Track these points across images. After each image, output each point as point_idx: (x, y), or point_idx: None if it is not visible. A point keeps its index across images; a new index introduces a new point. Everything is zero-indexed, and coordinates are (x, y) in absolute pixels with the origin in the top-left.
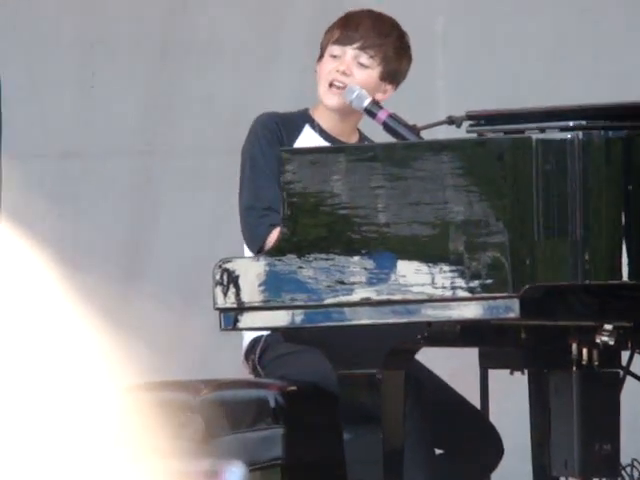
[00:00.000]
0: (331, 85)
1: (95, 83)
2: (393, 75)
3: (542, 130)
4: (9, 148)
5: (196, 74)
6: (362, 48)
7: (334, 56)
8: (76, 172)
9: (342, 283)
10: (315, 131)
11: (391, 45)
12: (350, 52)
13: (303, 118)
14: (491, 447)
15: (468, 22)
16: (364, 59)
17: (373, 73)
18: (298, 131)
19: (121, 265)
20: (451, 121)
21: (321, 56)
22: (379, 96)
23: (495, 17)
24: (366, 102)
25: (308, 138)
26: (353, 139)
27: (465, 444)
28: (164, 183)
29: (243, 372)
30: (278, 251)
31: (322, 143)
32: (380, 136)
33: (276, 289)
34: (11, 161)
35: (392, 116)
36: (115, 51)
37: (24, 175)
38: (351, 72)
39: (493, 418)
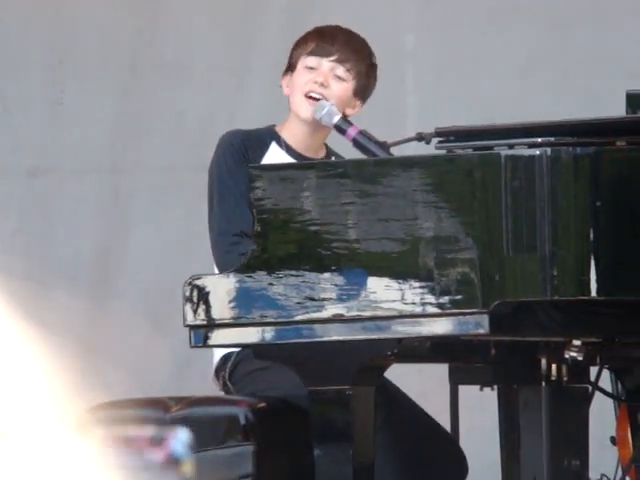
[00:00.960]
0: (307, 96)
1: (64, 100)
2: (364, 91)
3: (511, 147)
4: None
5: (165, 91)
6: (339, 61)
7: (310, 67)
8: (45, 189)
9: (312, 299)
10: (282, 148)
11: (363, 61)
12: (326, 64)
13: (269, 135)
14: (455, 465)
15: (437, 39)
16: (341, 72)
17: (348, 87)
18: (264, 148)
19: (90, 282)
20: (420, 138)
21: (290, 69)
22: (349, 111)
23: (464, 34)
24: (336, 118)
25: (275, 155)
26: (320, 155)
27: (430, 462)
28: (133, 200)
29: (214, 389)
30: (248, 268)
31: (289, 160)
32: (349, 152)
33: (246, 306)
34: None
35: (362, 132)
36: (84, 68)
37: None
38: (328, 84)
39: (463, 434)
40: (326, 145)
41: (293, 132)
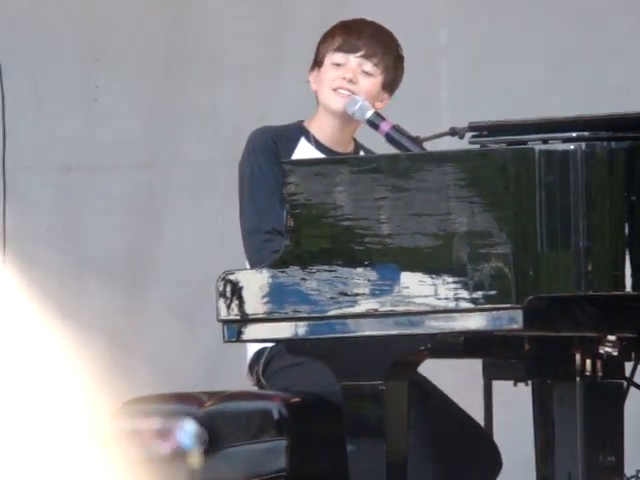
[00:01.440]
0: (336, 92)
1: (99, 96)
2: (392, 84)
3: (545, 141)
4: (13, 161)
5: (199, 87)
6: (366, 56)
7: (337, 64)
8: (80, 185)
9: (345, 295)
10: (311, 143)
11: (391, 54)
12: (354, 60)
13: (298, 131)
14: (490, 461)
15: (470, 34)
16: (368, 67)
17: (376, 81)
18: (294, 144)
19: (125, 278)
20: (454, 132)
21: (317, 64)
22: (378, 105)
23: (498, 29)
24: (369, 113)
25: (304, 151)
26: (349, 149)
27: (464, 458)
28: (168, 196)
29: (247, 384)
30: (281, 263)
31: (318, 155)
32: (377, 145)
33: (279, 301)
34: (15, 174)
35: (395, 127)
36: (119, 64)
37: (28, 188)
38: (357, 80)
39: (497, 429)
40: (354, 139)
41: (322, 127)
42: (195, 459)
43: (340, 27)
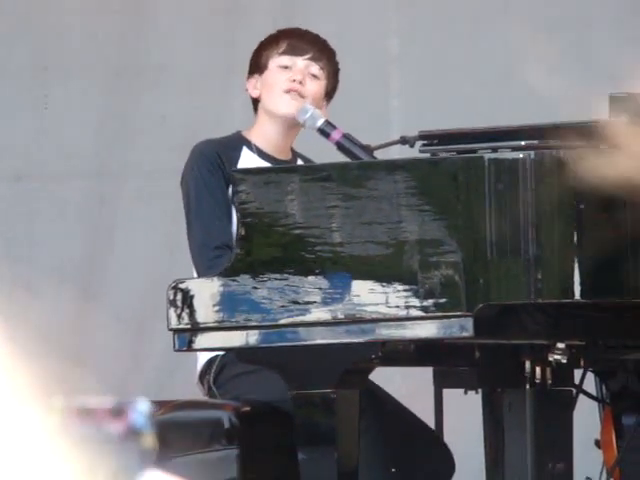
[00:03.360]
0: (288, 93)
1: (48, 105)
2: (332, 92)
3: (494, 150)
4: None
5: (149, 96)
6: (313, 59)
7: (284, 67)
8: (30, 194)
9: (296, 303)
10: (253, 152)
11: (333, 61)
12: (301, 62)
13: (239, 141)
14: (443, 464)
15: (421, 42)
16: (315, 70)
17: (322, 85)
18: (236, 155)
19: (76, 288)
20: (404, 141)
21: (258, 70)
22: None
23: (448, 37)
24: (320, 122)
25: (248, 160)
26: (289, 157)
27: (417, 462)
28: (118, 205)
29: (198, 394)
30: (232, 271)
31: (263, 164)
32: (317, 154)
33: (230, 309)
34: None
35: (346, 136)
36: (68, 73)
37: None
38: (305, 82)
39: (448, 438)
40: (291, 147)
41: (264, 135)
42: (148, 439)
43: (282, 33)
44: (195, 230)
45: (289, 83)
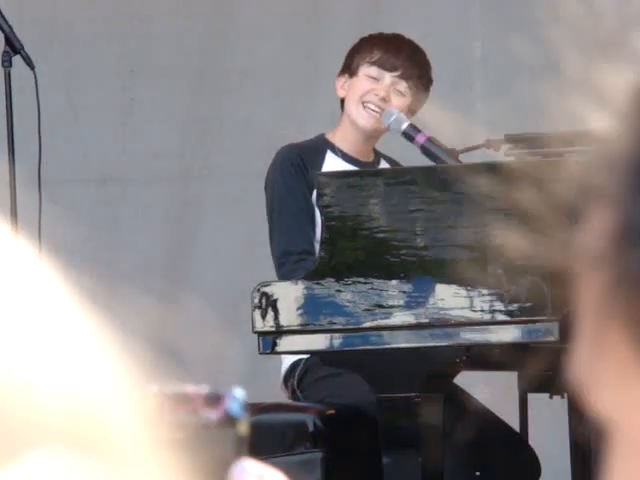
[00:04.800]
0: (364, 106)
1: (134, 109)
2: (418, 106)
3: (581, 153)
4: (49, 173)
5: (234, 99)
6: (402, 77)
7: (372, 77)
8: (115, 197)
9: (380, 307)
10: (337, 156)
11: (425, 77)
12: (389, 78)
13: (323, 145)
14: (528, 467)
15: (505, 45)
16: (402, 87)
17: (406, 101)
18: (321, 159)
19: (160, 291)
20: (489, 144)
21: (349, 72)
22: None
23: (532, 40)
24: (404, 125)
25: (332, 164)
26: (371, 158)
27: (503, 465)
28: (202, 208)
29: (281, 397)
30: (316, 275)
31: (347, 167)
32: (402, 157)
33: (314, 312)
34: (51, 186)
35: (430, 139)
36: (154, 77)
37: (63, 201)
38: (389, 99)
39: (532, 443)
40: (374, 148)
41: (347, 138)
42: (243, 427)
43: (379, 40)
44: (277, 238)
45: (371, 97)
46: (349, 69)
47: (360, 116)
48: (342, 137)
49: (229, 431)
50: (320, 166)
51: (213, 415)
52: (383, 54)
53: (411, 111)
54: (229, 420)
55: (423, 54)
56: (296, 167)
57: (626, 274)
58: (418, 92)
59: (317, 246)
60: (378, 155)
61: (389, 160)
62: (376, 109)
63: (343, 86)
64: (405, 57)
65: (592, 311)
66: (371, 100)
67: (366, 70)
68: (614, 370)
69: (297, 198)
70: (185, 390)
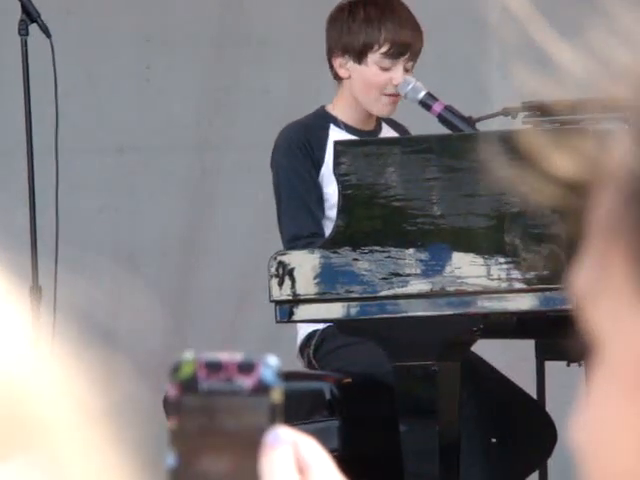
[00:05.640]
0: (383, 96)
1: (150, 77)
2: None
3: (599, 122)
4: (66, 142)
5: (252, 68)
6: (411, 58)
7: (385, 68)
8: (132, 166)
9: (397, 275)
10: (341, 129)
11: (422, 40)
12: (401, 64)
13: (325, 119)
14: (545, 432)
15: (522, 14)
16: (410, 65)
17: (411, 73)
18: (325, 134)
19: (178, 259)
20: (506, 112)
21: (355, 56)
22: None
23: (548, 6)
24: (421, 94)
25: (336, 138)
26: (373, 125)
27: (519, 431)
28: (220, 178)
29: (298, 366)
30: (333, 243)
31: (351, 138)
32: (419, 125)
33: (331, 281)
34: (68, 155)
35: (447, 108)
36: (170, 45)
37: (81, 169)
38: (403, 79)
39: (549, 410)
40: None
41: (351, 110)
42: (277, 394)
43: (387, 28)
44: (285, 223)
45: (391, 88)
46: (354, 53)
47: (378, 106)
48: (344, 109)
49: (263, 399)
50: (324, 142)
51: (247, 382)
52: (393, 40)
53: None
54: (263, 387)
55: (415, 19)
56: (301, 148)
57: (636, 194)
58: (417, 56)
59: (326, 223)
60: (379, 120)
61: (390, 122)
62: (394, 96)
63: (345, 67)
64: (411, 35)
65: (600, 230)
66: (389, 90)
67: (378, 61)
68: (610, 295)
69: (304, 180)
70: (219, 357)
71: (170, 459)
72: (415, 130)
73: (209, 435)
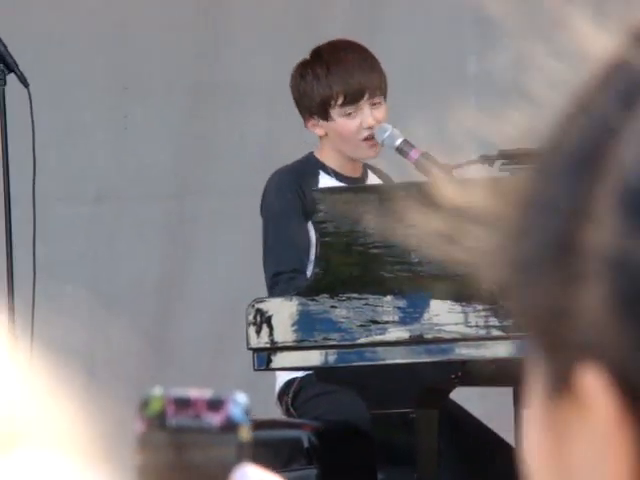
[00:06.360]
0: (365, 139)
1: (128, 125)
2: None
3: None
4: (44, 191)
5: (228, 115)
6: (372, 94)
7: (349, 114)
8: (110, 215)
9: (375, 322)
10: (331, 176)
11: (380, 70)
12: (364, 104)
13: (315, 165)
14: None
15: (500, 61)
16: (376, 99)
17: (384, 102)
18: (316, 180)
19: (156, 307)
20: (483, 160)
21: (319, 115)
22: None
23: (524, 58)
24: (398, 141)
25: (326, 184)
26: (360, 172)
27: (497, 479)
28: (197, 225)
29: (276, 413)
30: (311, 290)
31: (335, 185)
32: (396, 172)
33: (309, 328)
34: (46, 204)
35: (424, 155)
36: (147, 93)
37: (58, 218)
38: (376, 118)
39: None
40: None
41: (338, 158)
42: (245, 432)
43: (335, 79)
44: (269, 260)
45: (364, 131)
46: (316, 112)
47: (360, 151)
48: (331, 157)
49: (231, 436)
50: (316, 187)
51: (215, 419)
52: (344, 89)
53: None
54: (231, 425)
55: (366, 52)
56: (292, 191)
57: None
58: (384, 84)
59: (310, 267)
60: (365, 167)
61: (374, 169)
62: (371, 139)
63: (318, 126)
64: (362, 74)
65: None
66: (365, 134)
67: (340, 112)
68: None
69: (291, 221)
70: (188, 394)
71: None
72: (393, 176)
73: (176, 471)
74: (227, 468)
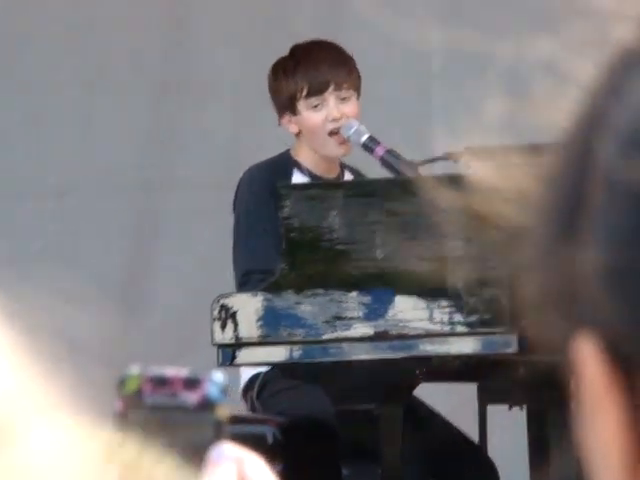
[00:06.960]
0: (332, 134)
1: (93, 121)
2: (360, 88)
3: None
4: (6, 186)
5: (194, 110)
6: (338, 87)
7: (315, 107)
8: (75, 208)
9: (340, 318)
10: (304, 174)
11: (352, 67)
12: (329, 97)
13: (289, 164)
14: (486, 477)
15: (465, 56)
16: (344, 93)
17: (354, 99)
18: (288, 177)
19: (119, 301)
20: (449, 157)
21: (290, 110)
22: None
23: (492, 51)
24: (364, 137)
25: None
26: (336, 173)
27: (460, 475)
28: (163, 220)
29: (241, 409)
30: (276, 286)
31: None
32: (362, 168)
33: (274, 324)
34: (8, 199)
35: (389, 151)
36: (113, 88)
37: (22, 213)
38: (342, 112)
39: (491, 454)
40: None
41: (312, 158)
42: (222, 411)
43: (300, 70)
44: (240, 257)
45: (330, 124)
46: (287, 107)
47: (328, 147)
48: (306, 156)
49: (208, 414)
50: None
51: (192, 398)
52: (309, 80)
53: (358, 95)
54: (208, 404)
55: (336, 48)
56: (265, 188)
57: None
58: (357, 81)
59: None
60: (343, 168)
61: (352, 170)
62: (337, 133)
63: (291, 123)
64: (328, 66)
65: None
66: (333, 127)
67: (305, 104)
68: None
69: (263, 219)
70: (164, 372)
71: (114, 473)
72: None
73: (153, 449)
74: (204, 447)
